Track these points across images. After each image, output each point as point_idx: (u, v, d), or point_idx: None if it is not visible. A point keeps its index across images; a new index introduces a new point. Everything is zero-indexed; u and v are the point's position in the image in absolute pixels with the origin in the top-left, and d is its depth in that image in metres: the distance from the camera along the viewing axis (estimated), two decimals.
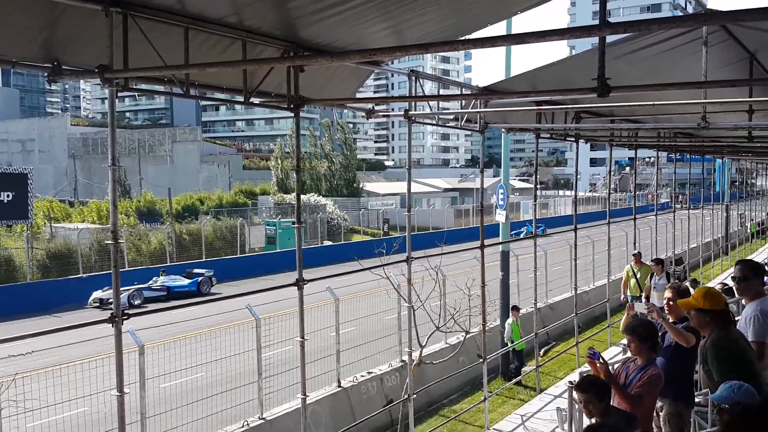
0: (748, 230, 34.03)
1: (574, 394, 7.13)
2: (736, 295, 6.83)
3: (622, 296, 14.49)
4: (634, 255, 14.64)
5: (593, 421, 4.66)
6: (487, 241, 10.69)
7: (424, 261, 11.04)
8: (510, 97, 9.24)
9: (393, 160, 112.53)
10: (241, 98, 6.48)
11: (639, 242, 17.85)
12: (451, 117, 10.36)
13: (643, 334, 5.24)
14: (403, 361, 11.95)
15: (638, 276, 13.86)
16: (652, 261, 13.75)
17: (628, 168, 76.23)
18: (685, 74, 7.50)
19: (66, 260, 27.14)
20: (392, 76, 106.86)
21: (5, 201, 26.42)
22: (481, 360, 10.99)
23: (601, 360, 5.19)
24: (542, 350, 14.46)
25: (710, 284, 17.15)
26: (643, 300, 12.36)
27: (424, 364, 11.18)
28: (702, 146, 17.61)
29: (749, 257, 25.50)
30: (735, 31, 6.69)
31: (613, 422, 4.53)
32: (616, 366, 5.84)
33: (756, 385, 4.56)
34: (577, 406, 7.05)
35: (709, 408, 3.72)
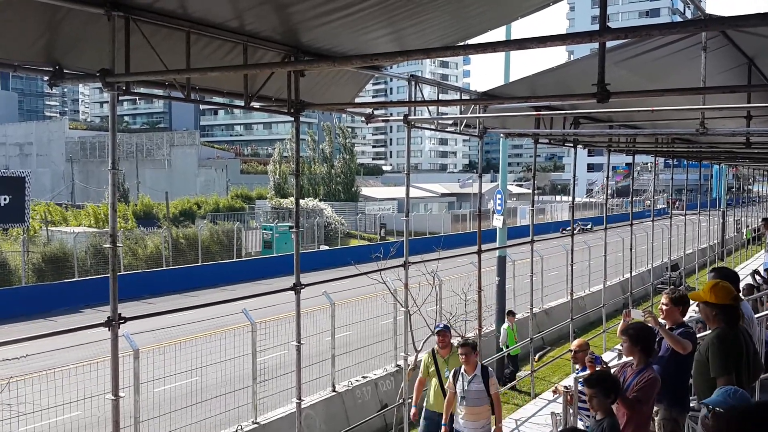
0: (744, 236, 34.11)
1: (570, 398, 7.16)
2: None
3: (413, 408, 8.57)
4: (436, 332, 8.40)
5: (597, 416, 4.71)
6: (484, 246, 10.70)
7: (420, 266, 11.04)
8: (509, 102, 9.26)
9: (390, 164, 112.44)
10: (241, 102, 6.48)
11: (635, 248, 17.86)
12: (450, 122, 10.37)
13: (633, 336, 5.31)
14: (398, 365, 11.92)
15: (443, 371, 8.10)
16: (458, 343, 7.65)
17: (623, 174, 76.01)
18: (683, 80, 7.52)
19: (62, 264, 27.03)
20: (391, 80, 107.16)
21: (2, 204, 26.37)
22: None
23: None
24: (537, 355, 14.45)
25: None
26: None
27: (418, 369, 11.14)
28: (699, 152, 17.67)
29: (745, 263, 25.59)
30: (734, 36, 6.71)
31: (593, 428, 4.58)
32: (613, 371, 5.85)
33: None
34: (571, 411, 7.05)
35: (702, 411, 3.74)
